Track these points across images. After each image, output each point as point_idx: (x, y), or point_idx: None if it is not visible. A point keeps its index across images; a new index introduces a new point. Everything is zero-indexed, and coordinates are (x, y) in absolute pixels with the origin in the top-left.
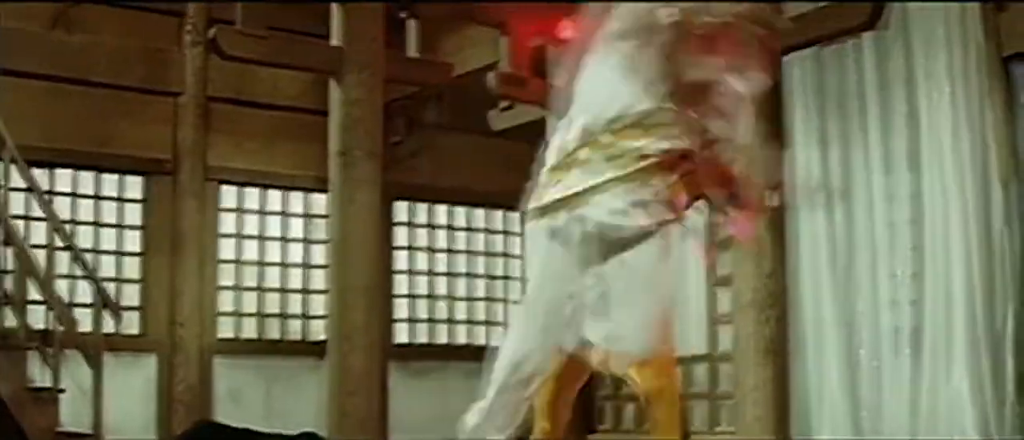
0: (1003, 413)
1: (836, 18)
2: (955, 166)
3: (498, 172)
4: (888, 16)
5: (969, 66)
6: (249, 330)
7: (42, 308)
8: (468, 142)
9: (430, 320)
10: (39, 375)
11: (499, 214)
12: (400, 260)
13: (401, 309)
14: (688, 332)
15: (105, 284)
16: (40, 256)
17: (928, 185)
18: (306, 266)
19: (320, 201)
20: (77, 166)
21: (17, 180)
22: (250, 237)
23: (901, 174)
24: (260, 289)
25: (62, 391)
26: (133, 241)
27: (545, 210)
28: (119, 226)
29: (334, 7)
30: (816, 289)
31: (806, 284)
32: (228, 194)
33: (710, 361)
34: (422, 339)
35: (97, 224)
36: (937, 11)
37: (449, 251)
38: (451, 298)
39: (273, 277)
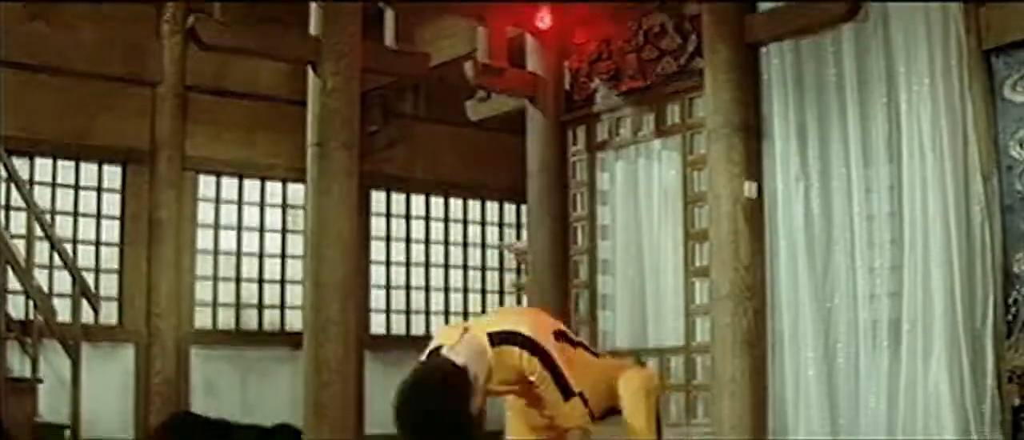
0: (982, 408)
1: (815, 11)
2: (935, 159)
3: (475, 162)
4: (867, 9)
5: (950, 59)
6: (226, 320)
7: (21, 298)
8: (445, 132)
9: (407, 311)
10: (18, 365)
11: (476, 204)
12: (377, 250)
13: (378, 300)
14: (665, 324)
15: (83, 274)
16: (19, 245)
17: (908, 178)
18: (283, 257)
19: (298, 191)
20: (56, 155)
21: None
22: (227, 227)
23: (880, 167)
24: (237, 279)
25: (41, 381)
26: (112, 231)
27: None
28: (98, 216)
29: None
30: (794, 281)
31: (784, 276)
32: (206, 184)
33: (686, 353)
34: (399, 330)
35: (76, 214)
36: (917, 3)
37: (426, 241)
38: (428, 289)
39: (250, 267)
